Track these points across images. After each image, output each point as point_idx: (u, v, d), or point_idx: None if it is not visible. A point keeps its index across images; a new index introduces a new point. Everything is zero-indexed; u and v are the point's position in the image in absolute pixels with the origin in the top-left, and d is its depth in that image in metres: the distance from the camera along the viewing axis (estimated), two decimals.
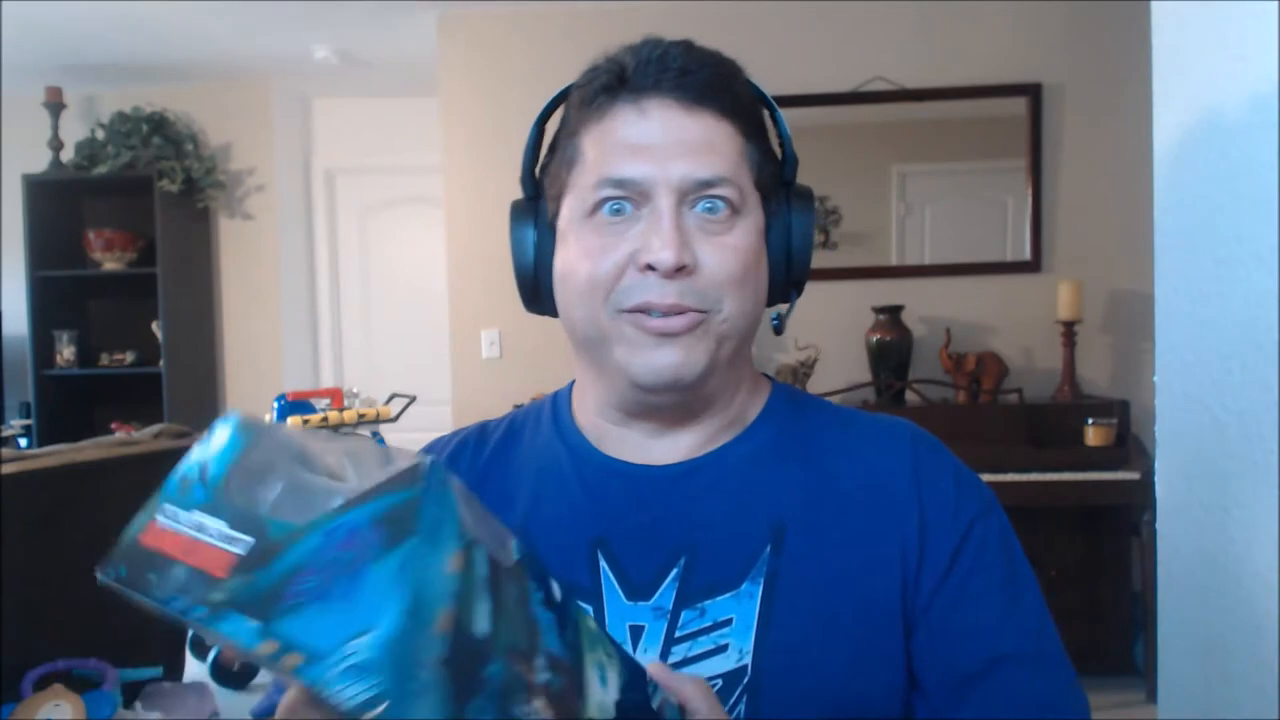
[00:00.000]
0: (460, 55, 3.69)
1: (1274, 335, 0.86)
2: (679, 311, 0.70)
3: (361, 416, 3.49)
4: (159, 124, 4.28)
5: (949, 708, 0.71)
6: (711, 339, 0.72)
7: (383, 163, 4.63)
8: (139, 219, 4.25)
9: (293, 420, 3.37)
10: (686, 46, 0.74)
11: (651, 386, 0.72)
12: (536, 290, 0.78)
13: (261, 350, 4.57)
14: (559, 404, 0.83)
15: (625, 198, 0.71)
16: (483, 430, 0.84)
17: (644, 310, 0.70)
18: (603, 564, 0.73)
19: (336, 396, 3.56)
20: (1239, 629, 0.91)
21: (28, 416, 4.33)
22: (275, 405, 3.42)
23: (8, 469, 2.14)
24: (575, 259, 0.73)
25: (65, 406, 4.37)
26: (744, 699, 0.68)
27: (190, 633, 3.09)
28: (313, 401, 3.53)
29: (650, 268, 0.69)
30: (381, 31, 3.83)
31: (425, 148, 4.01)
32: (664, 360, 0.71)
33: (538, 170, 0.80)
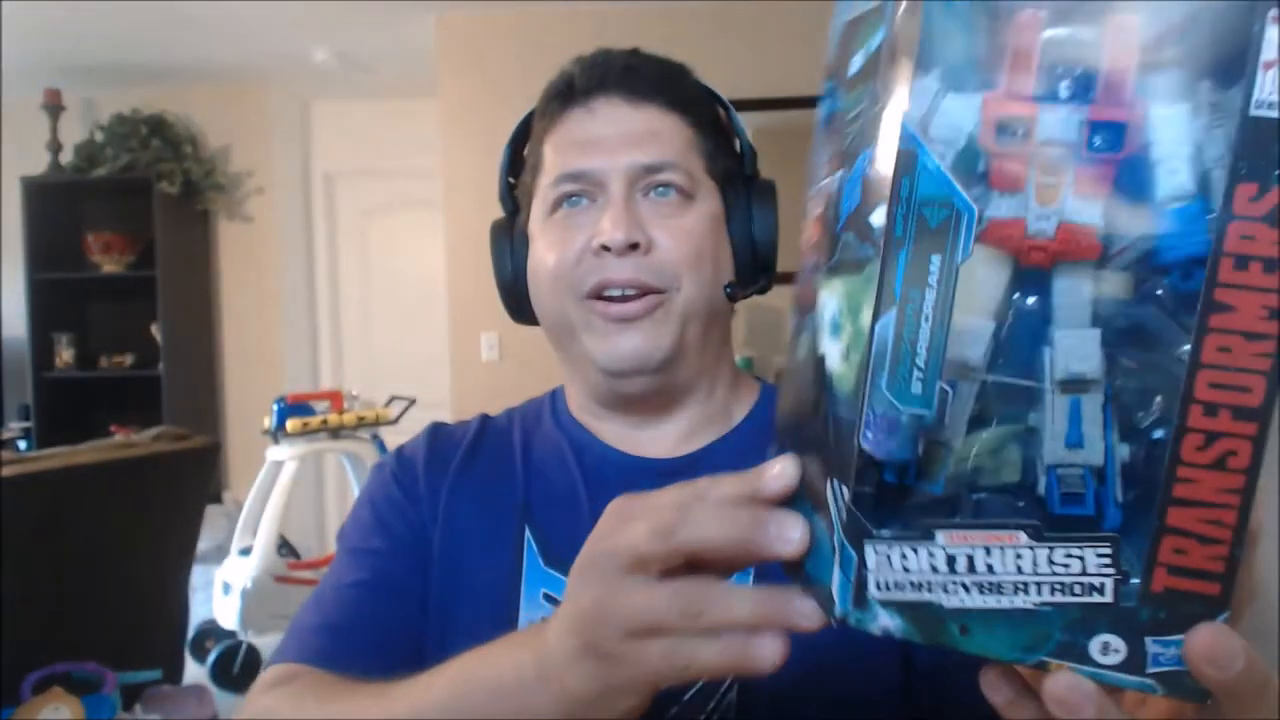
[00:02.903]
0: (459, 57, 3.69)
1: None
2: (637, 289, 0.72)
3: (361, 419, 3.49)
4: (158, 126, 4.28)
5: (945, 688, 0.70)
6: (674, 321, 0.73)
7: (382, 165, 4.63)
8: (138, 221, 4.25)
9: (292, 423, 3.37)
10: (632, 50, 0.78)
11: (618, 372, 0.74)
12: (518, 299, 0.81)
13: (261, 353, 4.57)
14: (557, 398, 0.85)
15: (581, 191, 0.74)
16: (485, 419, 0.86)
17: (603, 291, 0.72)
18: None
19: (336, 399, 3.56)
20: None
21: (27, 419, 4.33)
22: (275, 407, 3.42)
23: (7, 471, 2.15)
24: (542, 254, 0.76)
25: (65, 409, 4.37)
26: (734, 689, 0.68)
27: (190, 635, 3.09)
28: (312, 404, 3.53)
29: (605, 248, 0.71)
30: (381, 33, 3.83)
31: (424, 150, 4.01)
32: (626, 346, 0.72)
33: (515, 189, 0.83)
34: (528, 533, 0.75)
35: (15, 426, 4.34)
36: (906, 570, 0.34)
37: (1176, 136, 0.31)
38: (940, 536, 0.33)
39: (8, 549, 2.05)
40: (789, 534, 0.36)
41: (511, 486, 0.78)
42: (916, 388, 0.33)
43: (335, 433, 3.46)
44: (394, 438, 3.52)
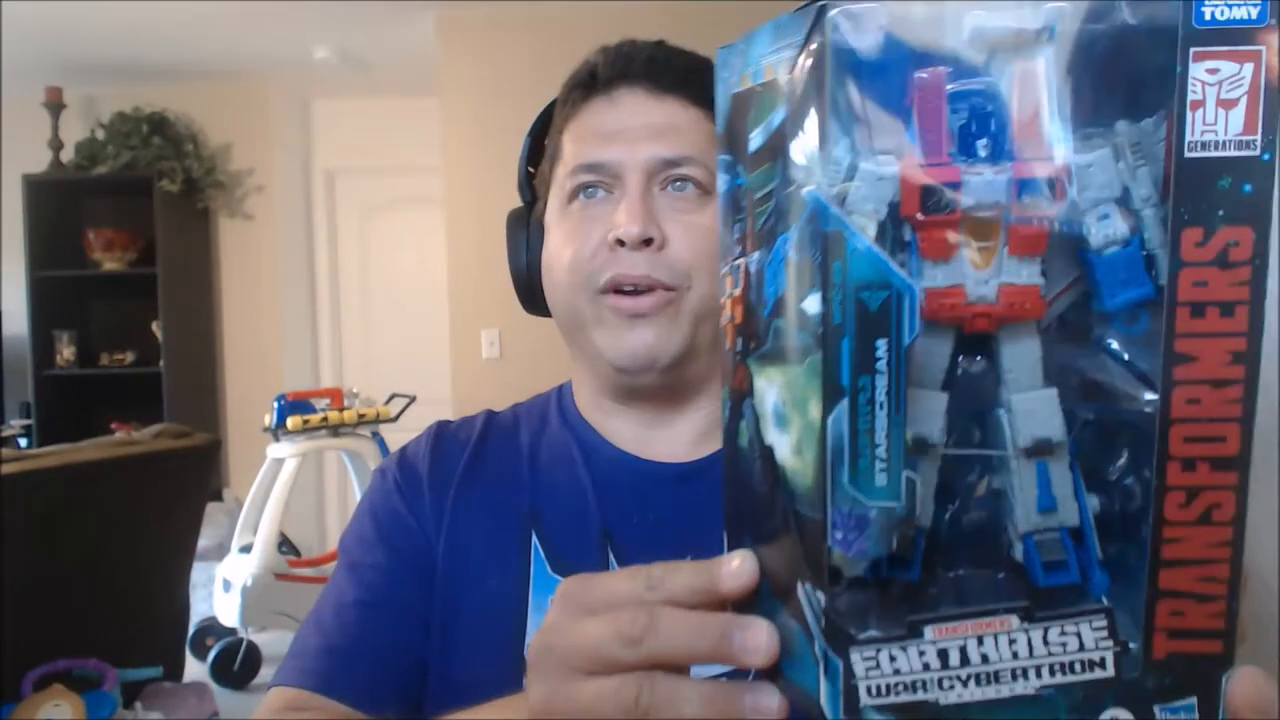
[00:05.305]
0: (460, 55, 3.69)
1: (1274, 336, 0.86)
2: (648, 286, 0.70)
3: (361, 416, 3.49)
4: (159, 124, 4.28)
5: None
6: (686, 320, 0.71)
7: (382, 163, 4.63)
8: (139, 219, 4.25)
9: (292, 420, 3.37)
10: (657, 43, 0.76)
11: (627, 369, 0.72)
12: (531, 290, 0.80)
13: (261, 350, 4.57)
14: (564, 396, 0.84)
15: (598, 182, 0.73)
16: (490, 416, 0.84)
17: (616, 287, 0.71)
18: (611, 557, 0.73)
19: (336, 396, 3.56)
20: None
21: (28, 417, 4.33)
22: (275, 405, 3.42)
23: (8, 469, 2.15)
24: (558, 246, 0.75)
25: (65, 407, 4.37)
26: None
27: (190, 633, 3.10)
28: (313, 401, 3.53)
29: (620, 242, 0.70)
30: (381, 31, 3.83)
31: (425, 148, 4.00)
32: (636, 341, 0.71)
33: (534, 179, 0.82)
34: (535, 540, 0.74)
35: (16, 424, 4.34)
36: (897, 672, 0.31)
37: (1102, 182, 0.30)
38: (928, 632, 0.31)
39: (8, 547, 2.05)
40: (757, 644, 0.34)
41: (518, 492, 0.77)
42: (881, 479, 0.30)
43: (336, 430, 3.46)
44: (394, 435, 3.52)
